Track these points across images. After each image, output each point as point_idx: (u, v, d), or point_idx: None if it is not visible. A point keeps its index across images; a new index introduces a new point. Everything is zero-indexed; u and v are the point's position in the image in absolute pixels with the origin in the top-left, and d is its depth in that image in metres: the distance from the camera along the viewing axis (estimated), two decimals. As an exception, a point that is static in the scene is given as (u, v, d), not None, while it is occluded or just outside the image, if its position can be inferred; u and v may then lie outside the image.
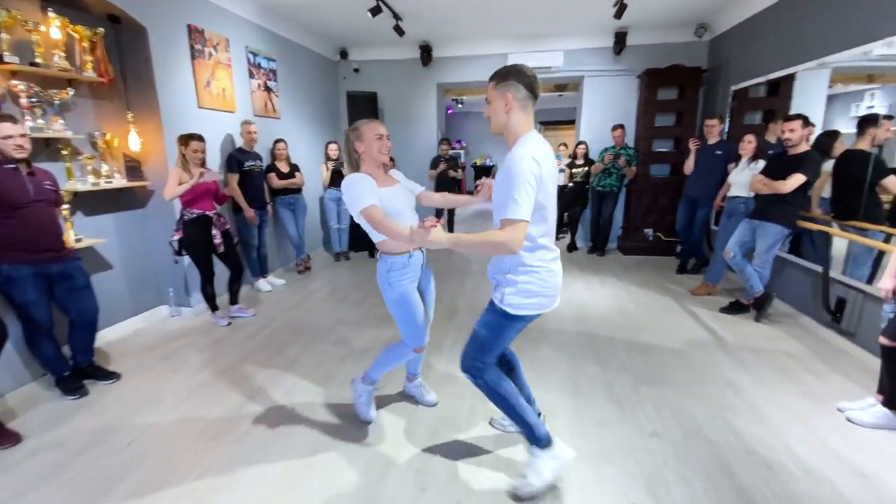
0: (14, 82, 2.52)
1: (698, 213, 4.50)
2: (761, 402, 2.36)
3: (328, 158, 5.16)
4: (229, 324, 3.50)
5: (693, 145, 4.48)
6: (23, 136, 2.16)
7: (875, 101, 3.15)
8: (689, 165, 4.51)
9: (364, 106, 5.67)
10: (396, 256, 1.90)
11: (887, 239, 2.77)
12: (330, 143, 5.21)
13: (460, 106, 11.23)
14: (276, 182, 4.47)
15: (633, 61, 5.43)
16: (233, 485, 1.82)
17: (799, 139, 3.14)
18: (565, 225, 6.56)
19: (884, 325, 2.06)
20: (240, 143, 4.16)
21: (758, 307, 3.44)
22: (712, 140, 4.35)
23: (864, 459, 1.92)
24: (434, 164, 5.87)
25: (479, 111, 12.41)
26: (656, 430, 2.15)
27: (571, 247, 6.00)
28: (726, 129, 4.59)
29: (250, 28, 4.34)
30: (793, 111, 3.60)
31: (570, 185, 5.97)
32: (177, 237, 3.26)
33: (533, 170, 1.40)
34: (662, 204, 5.42)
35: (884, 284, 2.05)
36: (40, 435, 2.14)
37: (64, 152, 2.86)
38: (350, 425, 2.21)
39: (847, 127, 3.28)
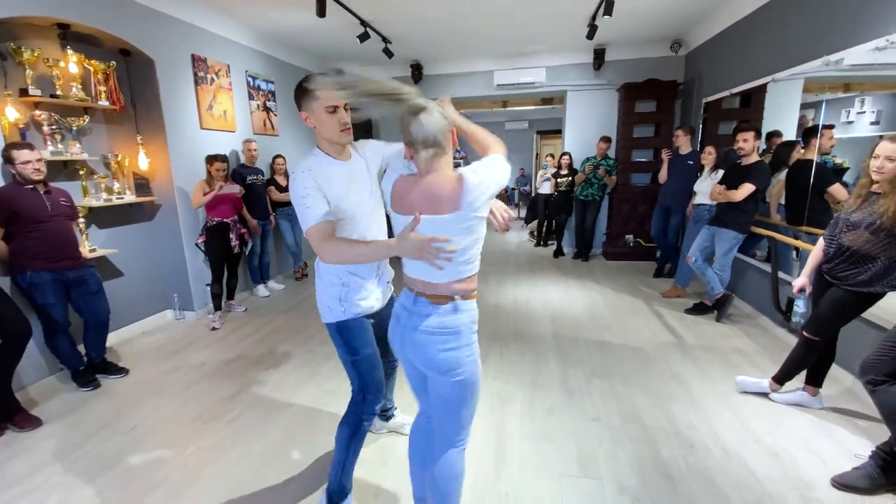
0: (37, 112, 2.88)
1: (672, 219, 4.73)
2: (700, 393, 2.60)
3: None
4: (215, 329, 3.79)
5: (665, 156, 4.72)
6: (39, 160, 2.51)
7: (865, 107, 3.18)
8: (662, 174, 4.76)
9: (360, 130, 5.99)
10: (473, 300, 1.33)
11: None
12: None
13: (458, 117, 11.54)
14: (276, 195, 4.81)
15: (612, 75, 5.70)
16: (219, 460, 2.11)
17: (750, 149, 3.38)
18: (552, 232, 6.82)
19: (796, 319, 2.30)
20: (242, 159, 4.52)
21: (718, 308, 3.66)
22: (684, 150, 4.59)
23: (779, 441, 2.15)
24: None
25: (479, 122, 12.70)
26: (598, 415, 2.40)
27: (558, 252, 6.24)
28: (699, 140, 4.84)
29: (249, 54, 4.72)
30: (765, 121, 3.83)
31: (556, 193, 6.25)
32: (201, 240, 3.83)
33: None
34: (642, 211, 5.65)
35: (796, 281, 2.29)
36: (58, 420, 2.46)
37: (81, 172, 3.23)
38: (324, 414, 2.49)
39: (842, 132, 3.22)
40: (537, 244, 7.08)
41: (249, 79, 4.69)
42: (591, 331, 3.55)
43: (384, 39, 4.90)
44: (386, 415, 2.22)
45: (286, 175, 4.95)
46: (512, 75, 5.88)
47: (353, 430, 1.59)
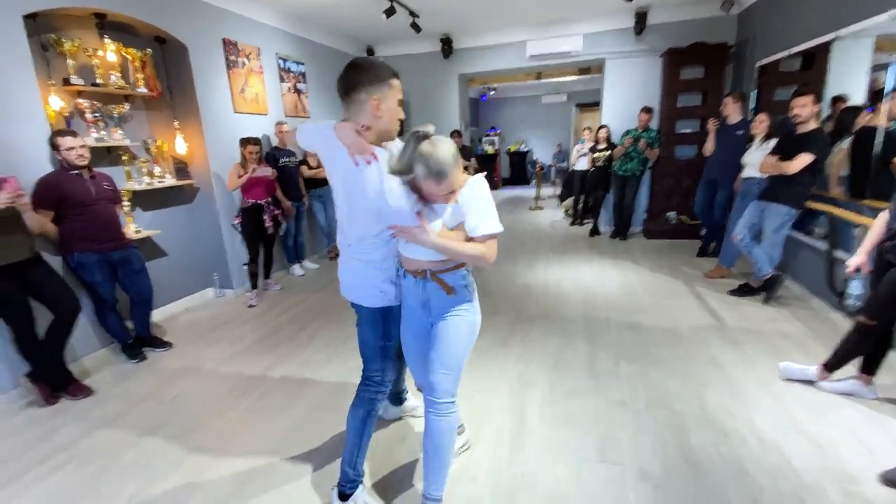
0: (80, 101, 3.04)
1: (718, 194, 4.41)
2: (739, 378, 2.44)
3: (354, 153, 5.52)
4: (251, 306, 3.95)
5: (712, 125, 4.38)
6: (82, 146, 2.65)
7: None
8: (708, 146, 4.42)
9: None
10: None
11: None
12: (355, 138, 5.56)
13: (493, 93, 11.26)
14: (306, 172, 4.88)
15: (655, 40, 5.31)
16: (249, 432, 2.21)
17: (808, 116, 3.06)
18: (589, 210, 6.57)
19: (851, 302, 2.08)
20: (275, 142, 4.61)
21: (766, 289, 3.40)
22: (733, 119, 4.23)
23: (824, 431, 1.98)
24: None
25: (514, 97, 12.38)
26: (624, 399, 2.31)
27: (594, 231, 6.01)
28: (750, 108, 4.44)
29: (279, 36, 4.75)
30: (829, 85, 3.46)
31: (592, 169, 5.98)
32: (237, 221, 3.99)
33: None
34: (686, 186, 5.31)
35: (851, 260, 2.06)
36: (107, 390, 2.66)
37: (123, 158, 3.40)
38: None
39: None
40: (573, 223, 6.86)
41: (280, 61, 4.74)
42: (624, 313, 3.41)
43: (411, 13, 4.79)
44: (400, 397, 2.23)
45: (316, 155, 5.01)
46: (546, 45, 5.61)
47: (368, 410, 1.60)
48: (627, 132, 5.43)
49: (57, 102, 2.87)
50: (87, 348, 2.94)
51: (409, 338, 1.61)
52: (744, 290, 3.59)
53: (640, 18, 5.19)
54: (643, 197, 5.78)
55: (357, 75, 1.35)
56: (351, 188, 1.41)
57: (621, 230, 5.74)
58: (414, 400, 2.27)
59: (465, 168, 5.92)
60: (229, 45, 4.05)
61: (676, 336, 2.98)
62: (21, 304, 2.39)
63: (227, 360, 2.98)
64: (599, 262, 4.75)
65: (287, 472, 1.92)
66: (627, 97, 5.63)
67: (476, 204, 1.39)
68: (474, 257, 1.40)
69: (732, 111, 4.19)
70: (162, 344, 3.17)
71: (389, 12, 4.34)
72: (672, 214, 5.54)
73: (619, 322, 3.24)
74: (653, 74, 5.45)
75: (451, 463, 1.61)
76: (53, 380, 2.52)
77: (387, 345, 1.57)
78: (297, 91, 5.05)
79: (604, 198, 6.03)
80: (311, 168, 4.92)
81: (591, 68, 6.55)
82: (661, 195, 5.50)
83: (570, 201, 7.14)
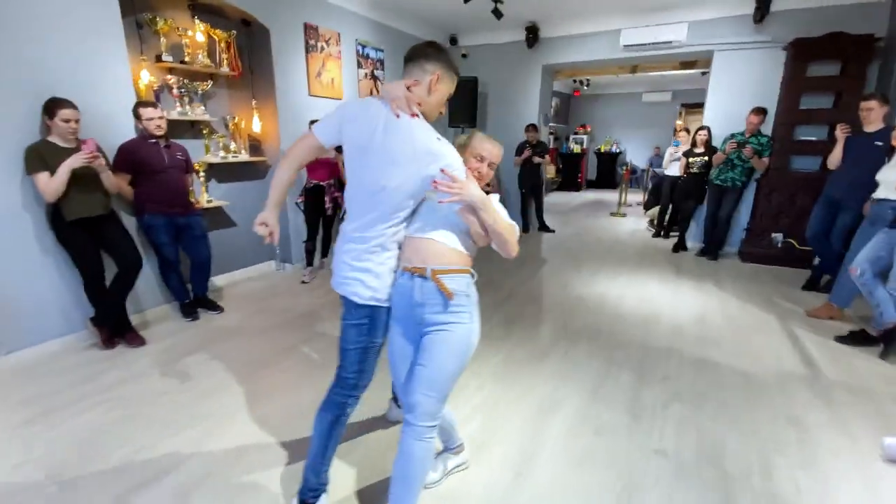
0: (168, 76, 3.32)
1: (839, 217, 3.62)
2: (823, 446, 1.93)
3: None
4: (304, 282, 4.09)
5: (841, 132, 3.58)
6: (161, 117, 2.87)
7: None
8: (834, 158, 3.63)
9: (464, 91, 5.81)
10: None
11: None
12: (426, 126, 5.51)
13: (586, 88, 10.58)
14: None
15: (778, 30, 4.49)
16: (270, 400, 2.25)
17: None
18: (675, 222, 5.86)
19: None
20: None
21: (887, 340, 2.70)
22: (873, 127, 3.42)
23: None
24: (519, 151, 5.79)
25: (610, 93, 11.54)
26: (665, 448, 1.94)
27: (678, 246, 5.33)
28: (900, 113, 3.56)
29: (360, 21, 4.82)
30: None
31: (685, 176, 5.29)
32: (300, 200, 4.09)
33: None
34: (801, 204, 4.46)
35: None
36: (158, 342, 2.88)
37: (204, 132, 3.67)
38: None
39: None
40: (655, 234, 6.17)
41: (359, 47, 4.81)
42: (691, 344, 2.92)
43: (494, -1, 4.55)
44: None
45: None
46: (643, 34, 5.04)
47: (337, 415, 1.48)
48: (731, 136, 4.69)
49: (146, 76, 3.15)
50: (151, 302, 3.23)
51: (396, 348, 1.46)
52: (857, 338, 2.89)
53: (762, 4, 4.42)
54: (743, 213, 4.98)
55: (434, 51, 1.36)
56: (391, 149, 1.29)
57: (711, 248, 5.02)
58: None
59: (537, 165, 5.56)
60: (310, 30, 4.18)
61: (752, 381, 2.47)
62: (93, 254, 2.66)
63: (266, 330, 3.08)
64: (675, 282, 4.18)
65: (278, 455, 1.88)
66: (737, 96, 4.86)
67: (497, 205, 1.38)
68: (509, 233, 1.34)
69: (875, 117, 3.38)
70: (214, 307, 3.38)
71: (468, -3, 4.16)
72: (779, 236, 4.70)
73: (682, 354, 2.78)
74: (771, 70, 4.63)
75: (420, 494, 1.43)
76: (113, 326, 2.79)
77: (369, 346, 1.43)
78: (374, 77, 5.11)
79: (695, 209, 5.31)
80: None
81: (696, 62, 5.79)
82: (767, 213, 4.69)
83: (655, 210, 6.44)
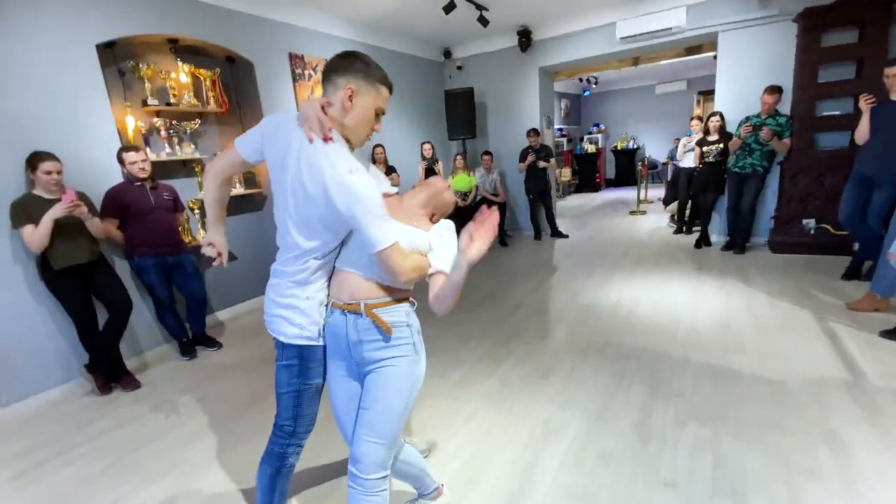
0: (156, 119, 3.37)
1: (874, 196, 3.26)
2: (868, 470, 1.64)
3: (423, 158, 5.40)
4: None
5: (866, 103, 3.24)
6: (144, 160, 2.89)
7: None
8: (861, 131, 3.28)
9: (462, 103, 5.73)
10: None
11: None
12: (424, 143, 5.44)
13: (594, 86, 10.30)
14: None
15: (785, 2, 4.18)
16: (250, 442, 2.14)
17: None
18: (696, 216, 5.50)
19: None
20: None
21: (943, 334, 2.35)
22: (900, 94, 3.08)
23: None
24: (522, 157, 5.63)
25: (621, 89, 11.21)
26: (676, 479, 1.70)
27: (701, 242, 4.99)
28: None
29: (348, 46, 4.81)
30: None
31: (700, 166, 4.97)
32: None
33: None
34: (831, 185, 4.08)
35: None
36: (154, 384, 2.86)
37: (196, 169, 3.70)
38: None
39: None
40: (677, 231, 5.82)
41: (348, 70, 4.81)
42: (711, 351, 2.65)
43: (478, 7, 4.47)
44: None
45: (385, 163, 5.00)
46: (640, 23, 4.82)
47: (277, 467, 1.35)
48: (746, 119, 4.38)
49: (132, 122, 3.20)
50: (149, 343, 3.23)
51: (338, 390, 1.32)
52: (906, 333, 2.54)
53: (765, -24, 4.13)
54: (769, 200, 4.61)
55: (344, 61, 1.21)
56: (304, 178, 1.15)
57: (737, 241, 4.66)
58: (409, 440, 1.96)
59: (543, 168, 5.42)
60: (295, 59, 4.20)
61: (782, 391, 2.18)
62: (83, 301, 2.68)
63: (262, 364, 3.01)
64: (696, 281, 3.87)
65: (250, 504, 1.78)
66: (748, 77, 4.54)
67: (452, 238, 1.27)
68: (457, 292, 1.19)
69: (901, 82, 3.04)
70: (213, 343, 3.35)
71: (449, 8, 4.09)
72: (810, 222, 4.31)
73: (701, 364, 2.51)
74: (782, 45, 4.30)
75: None
76: (108, 371, 2.78)
77: (302, 388, 1.30)
78: (367, 98, 5.08)
79: (715, 201, 4.97)
80: (377, 174, 4.92)
81: (701, 46, 5.49)
82: (795, 197, 4.31)
83: (675, 205, 6.09)
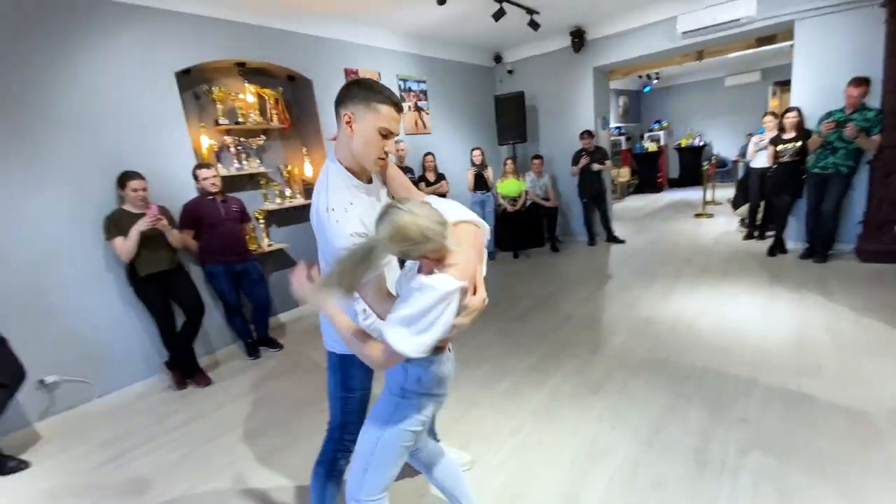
0: (226, 138, 3.66)
1: None
2: (969, 523, 1.45)
3: (472, 164, 5.43)
4: None
5: (977, 94, 2.84)
6: (215, 176, 3.16)
7: None
8: (971, 127, 2.89)
9: (512, 107, 5.69)
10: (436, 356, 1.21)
11: None
12: (474, 149, 5.46)
13: (656, 81, 9.79)
14: (424, 190, 5.00)
15: (876, -17, 3.76)
16: (308, 442, 2.28)
17: None
18: (770, 221, 5.07)
19: None
20: (394, 160, 4.83)
21: None
22: None
23: None
24: (575, 160, 5.47)
25: (685, 83, 10.55)
26: (735, 512, 1.60)
27: (775, 248, 4.59)
28: None
29: (400, 58, 4.96)
30: None
31: (775, 166, 4.58)
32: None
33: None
34: (934, 187, 3.60)
35: None
36: (222, 381, 3.12)
37: (261, 182, 3.98)
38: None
39: None
40: (748, 236, 5.40)
41: (400, 82, 4.94)
42: (782, 373, 2.44)
43: (528, 11, 4.42)
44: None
45: (435, 171, 5.09)
46: (703, 16, 4.53)
47: (328, 469, 1.43)
48: (828, 114, 3.98)
49: (206, 141, 3.50)
50: (220, 343, 3.52)
51: None
52: None
53: (851, -44, 3.74)
54: (856, 203, 4.16)
55: (343, 92, 1.26)
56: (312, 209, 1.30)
57: (818, 248, 4.24)
58: (456, 452, 1.99)
59: (597, 172, 5.28)
60: (350, 74, 4.38)
61: (864, 423, 1.97)
62: (163, 305, 2.98)
63: (320, 365, 3.17)
64: (768, 293, 3.57)
65: (302, 502, 1.89)
66: (830, 68, 4.13)
67: (417, 297, 1.04)
68: (359, 351, 1.11)
69: None
70: (275, 345, 3.58)
71: (498, 15, 4.08)
72: (907, 228, 3.83)
73: (769, 387, 2.32)
74: (868, 33, 3.86)
75: None
76: (184, 369, 3.07)
77: (346, 397, 1.37)
78: (419, 109, 5.20)
79: (791, 204, 4.55)
80: (429, 184, 5.02)
81: (775, 36, 5.05)
82: (886, 200, 3.85)
83: (745, 208, 5.65)
